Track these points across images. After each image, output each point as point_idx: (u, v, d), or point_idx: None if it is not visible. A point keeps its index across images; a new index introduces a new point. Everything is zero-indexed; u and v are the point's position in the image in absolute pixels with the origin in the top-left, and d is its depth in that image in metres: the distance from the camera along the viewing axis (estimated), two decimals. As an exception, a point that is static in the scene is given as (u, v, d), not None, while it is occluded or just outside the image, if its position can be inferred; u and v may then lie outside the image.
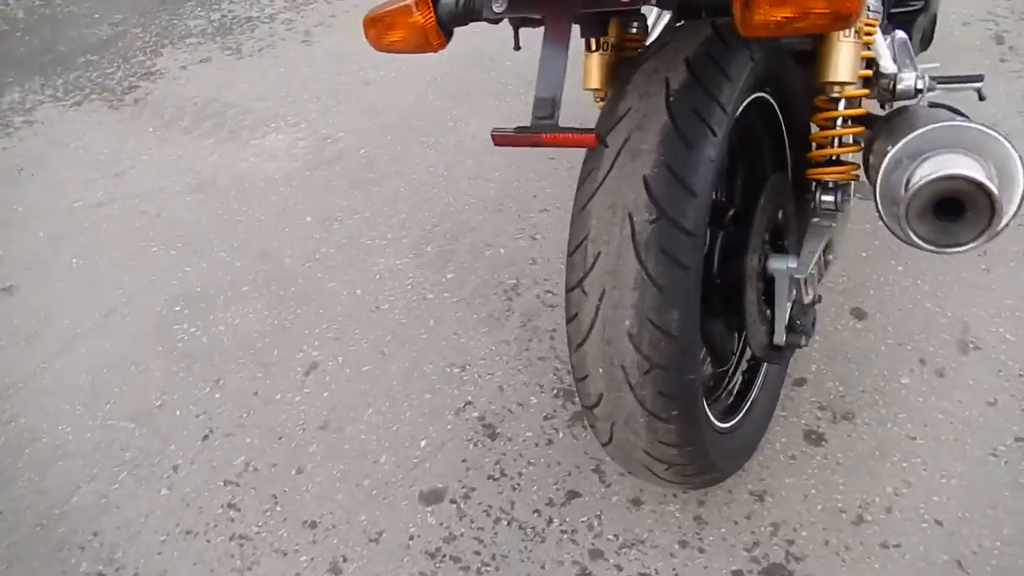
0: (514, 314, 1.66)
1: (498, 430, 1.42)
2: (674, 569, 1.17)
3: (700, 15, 1.04)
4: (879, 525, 1.20)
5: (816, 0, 0.65)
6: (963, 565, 1.13)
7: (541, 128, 0.78)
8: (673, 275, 0.85)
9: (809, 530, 1.21)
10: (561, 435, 1.40)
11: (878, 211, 0.69)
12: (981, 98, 1.22)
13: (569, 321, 0.94)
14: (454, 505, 1.30)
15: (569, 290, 0.93)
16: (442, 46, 0.92)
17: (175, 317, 1.75)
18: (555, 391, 1.48)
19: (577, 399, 1.45)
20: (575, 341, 0.94)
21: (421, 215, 1.97)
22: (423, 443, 1.41)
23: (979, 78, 1.20)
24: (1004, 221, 0.57)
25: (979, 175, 0.56)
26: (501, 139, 0.81)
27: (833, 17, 0.65)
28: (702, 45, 0.90)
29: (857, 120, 1.02)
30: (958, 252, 0.60)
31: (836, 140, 1.03)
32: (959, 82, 1.17)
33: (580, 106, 1.60)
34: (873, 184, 0.71)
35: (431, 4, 0.90)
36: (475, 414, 1.46)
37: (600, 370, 0.92)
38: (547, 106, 0.78)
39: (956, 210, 0.59)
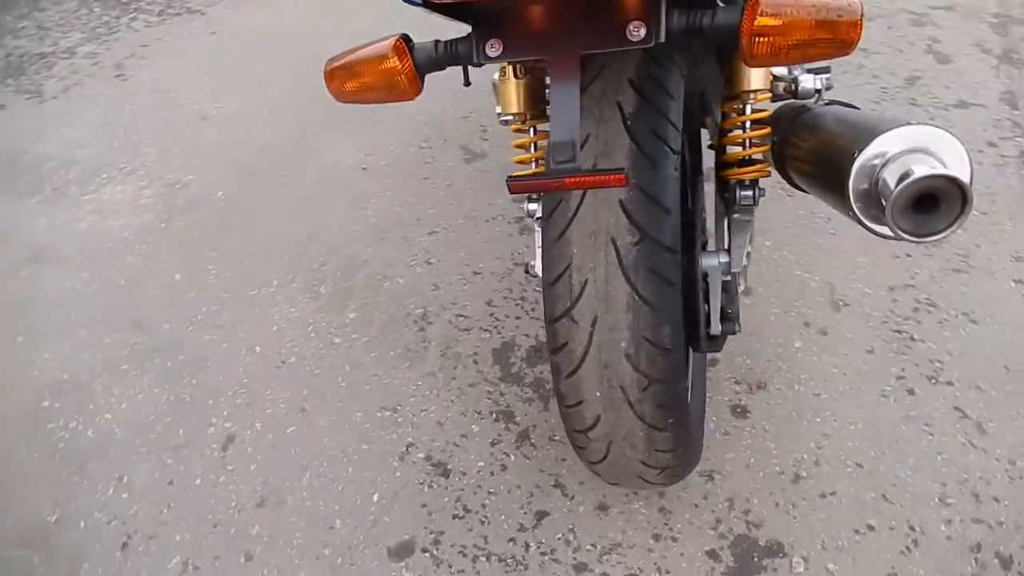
0: (431, 344, 1.63)
1: (449, 466, 1.40)
2: (655, 563, 1.23)
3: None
4: (813, 479, 1.34)
5: (821, 29, 0.70)
6: (888, 498, 1.30)
7: (564, 172, 0.76)
8: (662, 292, 0.89)
9: (759, 497, 1.32)
10: (513, 458, 1.41)
11: (850, 208, 0.75)
12: (828, 87, 1.38)
13: (556, 351, 0.95)
14: (426, 554, 1.26)
15: (553, 321, 0.94)
16: (417, 93, 0.87)
17: (47, 414, 1.52)
18: (494, 415, 1.48)
19: (519, 416, 1.47)
20: (565, 370, 0.95)
21: (304, 255, 1.87)
22: (375, 497, 1.35)
23: (827, 70, 1.35)
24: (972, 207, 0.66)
25: (955, 173, 0.65)
26: (518, 187, 0.77)
27: (838, 45, 0.71)
28: (640, 66, 0.93)
29: (764, 122, 1.11)
30: (936, 240, 0.68)
31: (747, 142, 1.12)
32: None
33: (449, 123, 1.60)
34: (835, 184, 0.77)
35: (408, 49, 0.85)
36: (420, 455, 1.42)
37: (598, 393, 0.94)
38: (567, 149, 0.76)
39: (931, 204, 0.68)
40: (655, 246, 0.88)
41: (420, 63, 0.85)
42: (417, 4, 0.76)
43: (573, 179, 0.75)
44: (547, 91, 1.10)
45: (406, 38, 0.86)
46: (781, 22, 0.72)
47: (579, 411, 0.98)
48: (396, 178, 2.09)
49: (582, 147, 0.90)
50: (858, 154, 0.73)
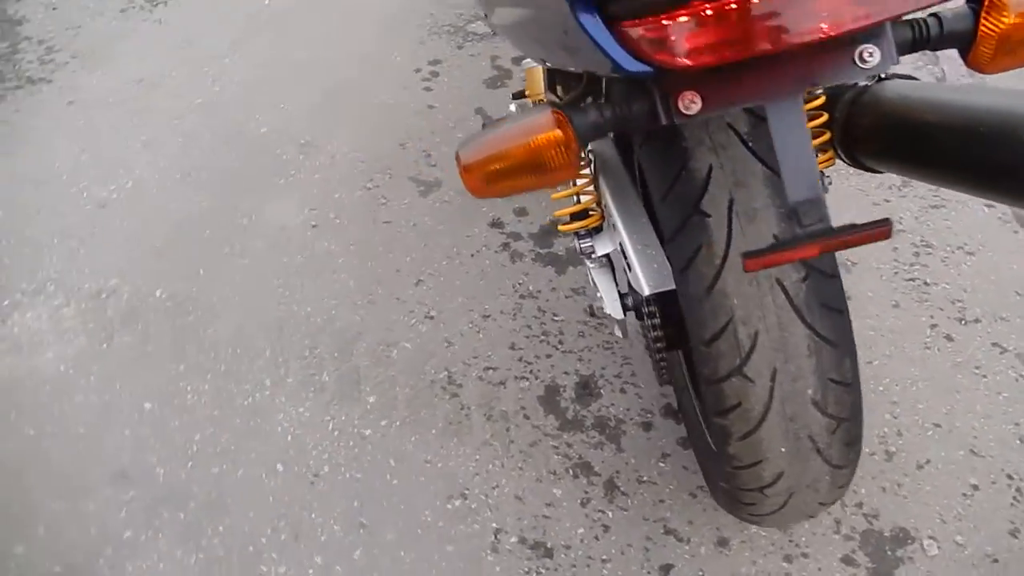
0: (471, 410, 1.49)
1: (548, 544, 1.28)
2: (801, 588, 1.19)
3: None
4: (904, 451, 1.34)
5: None
6: (976, 452, 1.32)
7: (816, 235, 0.64)
8: (837, 325, 0.82)
9: (864, 485, 1.30)
10: (610, 514, 1.31)
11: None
12: None
13: (724, 413, 0.86)
14: (568, 651, 1.15)
15: (718, 381, 0.84)
16: (578, 170, 0.71)
17: (56, 622, 1.25)
18: (571, 471, 1.38)
19: (596, 466, 1.37)
20: (739, 431, 0.86)
21: (287, 341, 1.65)
22: (485, 602, 1.22)
23: None
24: None
25: None
26: (758, 263, 0.64)
27: None
28: None
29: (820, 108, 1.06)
30: None
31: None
32: None
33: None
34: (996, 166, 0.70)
35: (567, 117, 0.69)
36: (513, 540, 1.29)
37: (783, 449, 0.86)
38: (815, 208, 0.64)
39: None
40: (822, 277, 0.81)
41: (583, 132, 0.69)
42: (643, 73, 0.61)
43: (831, 241, 0.64)
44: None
45: (555, 104, 0.72)
46: None
47: (756, 471, 0.90)
48: (355, 230, 1.89)
49: (708, 182, 0.80)
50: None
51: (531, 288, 1.72)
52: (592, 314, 1.64)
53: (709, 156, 0.81)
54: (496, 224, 1.89)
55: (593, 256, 1.17)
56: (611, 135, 1.17)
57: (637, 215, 1.03)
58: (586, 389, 1.51)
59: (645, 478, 1.36)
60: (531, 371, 1.55)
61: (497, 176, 0.69)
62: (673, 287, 0.93)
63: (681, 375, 1.27)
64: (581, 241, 1.18)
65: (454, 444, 1.44)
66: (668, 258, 0.89)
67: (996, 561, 1.19)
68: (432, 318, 1.67)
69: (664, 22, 0.54)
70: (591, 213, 1.16)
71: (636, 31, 0.56)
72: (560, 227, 1.19)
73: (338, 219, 1.93)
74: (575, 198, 1.19)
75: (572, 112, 0.68)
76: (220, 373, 1.60)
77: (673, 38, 0.55)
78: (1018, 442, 1.34)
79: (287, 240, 1.89)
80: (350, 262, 1.81)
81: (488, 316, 1.67)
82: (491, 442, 1.43)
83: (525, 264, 1.78)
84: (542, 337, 1.61)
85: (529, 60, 1.06)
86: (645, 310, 1.09)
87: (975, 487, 1.29)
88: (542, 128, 0.66)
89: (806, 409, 0.84)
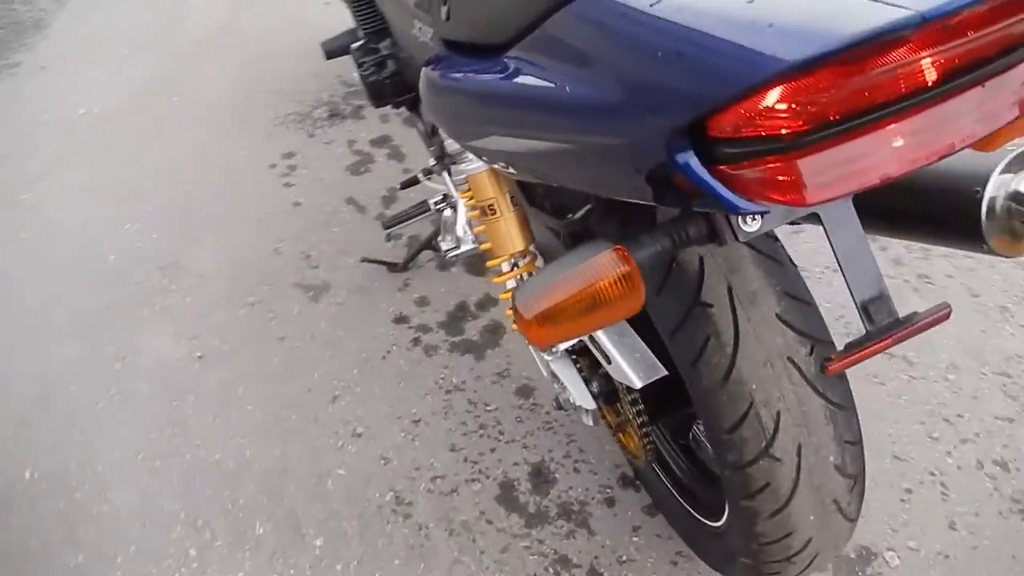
0: (429, 528, 1.41)
1: (549, 654, 1.23)
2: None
3: None
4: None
5: None
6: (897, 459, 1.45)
7: (890, 329, 0.66)
8: (841, 388, 0.86)
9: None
10: (601, 605, 1.29)
11: (981, 241, 0.76)
12: None
13: (752, 495, 0.87)
14: None
15: (744, 466, 0.85)
16: (643, 300, 0.67)
17: None
18: (552, 570, 1.34)
19: (574, 557, 1.33)
20: (768, 510, 0.87)
21: (202, 498, 1.47)
22: None
23: None
24: None
25: None
26: (838, 366, 0.66)
27: None
28: None
29: None
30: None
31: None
32: None
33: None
34: (957, 220, 0.78)
35: (627, 252, 0.65)
36: (512, 660, 1.23)
37: (811, 518, 0.88)
38: (883, 305, 0.66)
39: None
40: (824, 346, 0.85)
41: (645, 264, 0.66)
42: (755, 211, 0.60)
43: (900, 334, 0.66)
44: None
45: (614, 237, 0.69)
46: None
47: (786, 543, 0.91)
48: (247, 353, 1.74)
49: (704, 276, 0.83)
50: (982, 190, 0.74)
51: (454, 381, 1.67)
52: (526, 396, 1.62)
53: (697, 248, 0.83)
54: (400, 319, 1.82)
55: (553, 350, 1.16)
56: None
57: None
58: (540, 477, 1.48)
59: (624, 557, 1.35)
60: (479, 470, 1.49)
61: (564, 324, 0.66)
62: (664, 374, 0.94)
63: (648, 449, 1.27)
64: (549, 357, 1.16)
65: (422, 570, 1.35)
66: (672, 352, 0.89)
67: (947, 557, 1.31)
68: (360, 435, 1.57)
69: (796, 161, 0.50)
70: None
71: (752, 173, 0.52)
72: (513, 326, 1.17)
73: (225, 344, 1.76)
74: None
75: (630, 246, 0.66)
76: (130, 555, 1.39)
77: (801, 178, 0.51)
78: (928, 439, 1.48)
79: (172, 378, 1.69)
80: (251, 391, 1.66)
81: (419, 420, 1.59)
82: (460, 559, 1.36)
83: (441, 356, 1.73)
84: (480, 431, 1.57)
85: (474, 165, 1.03)
86: (626, 397, 1.09)
87: (908, 491, 1.41)
88: (607, 269, 0.63)
89: (830, 475, 0.87)
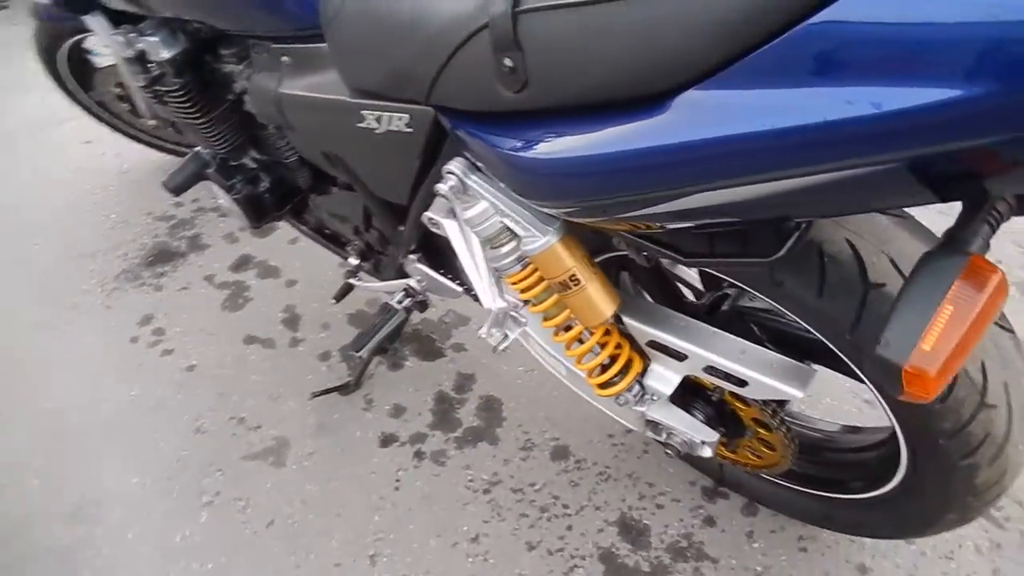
0: (560, 642, 1.25)
1: None
2: None
3: None
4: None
5: None
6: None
7: None
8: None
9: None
10: (770, 625, 1.23)
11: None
12: None
13: (973, 452, 0.86)
14: None
15: (963, 427, 0.84)
16: None
17: None
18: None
19: None
20: (989, 457, 0.87)
21: None
22: None
23: None
24: None
25: None
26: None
27: None
28: None
29: None
30: None
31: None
32: None
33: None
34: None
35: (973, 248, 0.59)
36: None
37: (1021, 447, 0.88)
38: None
39: None
40: None
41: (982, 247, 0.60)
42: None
43: None
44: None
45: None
46: None
47: (1003, 483, 0.91)
48: (241, 565, 1.43)
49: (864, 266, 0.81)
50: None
51: (485, 477, 1.51)
52: (564, 458, 1.50)
53: (828, 236, 0.82)
54: (388, 440, 1.61)
55: (655, 399, 1.07)
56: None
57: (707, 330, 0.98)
58: (632, 531, 1.39)
59: (758, 568, 1.30)
60: (570, 555, 1.36)
61: (958, 359, 0.57)
62: (816, 372, 0.91)
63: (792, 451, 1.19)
64: (638, 394, 1.07)
65: None
66: (853, 347, 0.84)
67: None
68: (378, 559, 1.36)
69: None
70: (627, 361, 1.06)
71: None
72: (604, 392, 1.06)
73: (208, 565, 1.44)
74: (595, 354, 1.05)
75: (961, 247, 0.59)
76: None
77: None
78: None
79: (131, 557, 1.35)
80: (275, 599, 1.37)
81: (475, 537, 1.42)
82: (613, 656, 1.23)
83: (455, 458, 1.55)
84: (544, 515, 1.43)
85: (540, 242, 0.89)
86: (775, 411, 1.04)
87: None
88: (990, 281, 0.56)
89: None
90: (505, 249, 0.95)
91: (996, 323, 0.85)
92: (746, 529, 1.36)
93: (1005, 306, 0.62)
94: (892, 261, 0.80)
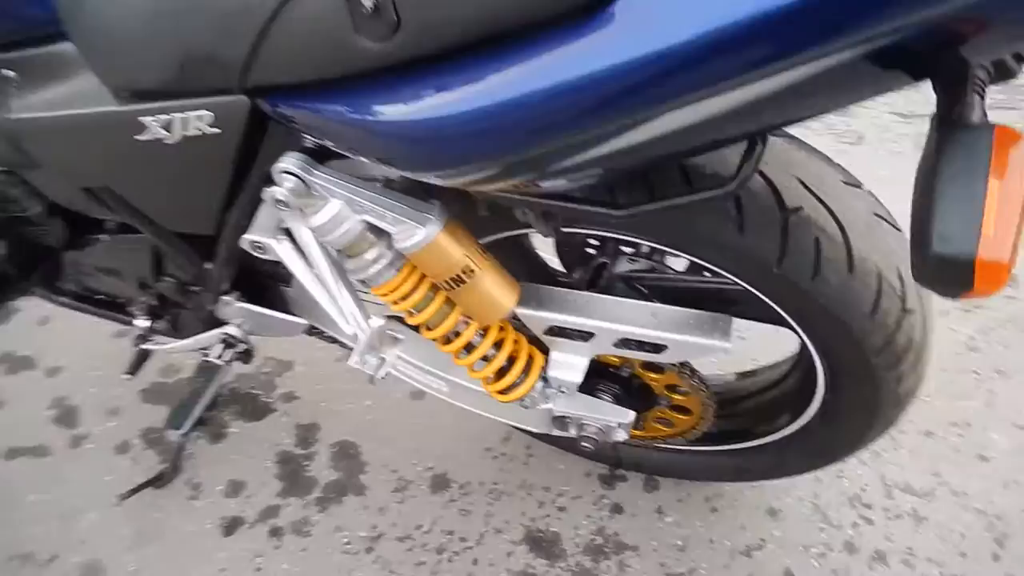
0: None
1: None
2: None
3: None
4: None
5: None
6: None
7: None
8: None
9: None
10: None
11: None
12: None
13: (900, 360, 0.86)
14: None
15: (890, 337, 0.83)
16: None
17: None
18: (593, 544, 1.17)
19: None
20: (911, 362, 0.86)
21: None
22: None
23: None
24: None
25: None
26: None
27: None
28: None
29: None
30: None
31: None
32: None
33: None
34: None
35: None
36: None
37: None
38: None
39: None
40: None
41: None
42: None
43: None
44: None
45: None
46: None
47: (921, 371, 0.90)
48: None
49: None
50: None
51: (362, 534, 1.30)
52: (444, 487, 1.33)
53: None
54: (232, 525, 1.32)
55: (563, 391, 0.96)
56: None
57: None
58: (541, 545, 1.26)
59: (679, 542, 1.25)
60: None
61: (1019, 240, 0.50)
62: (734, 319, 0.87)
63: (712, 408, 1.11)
64: (543, 390, 0.95)
65: None
66: (784, 282, 0.79)
67: None
68: None
69: None
70: (528, 357, 0.93)
71: None
72: (507, 397, 0.92)
73: None
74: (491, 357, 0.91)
75: (966, 114, 0.52)
76: None
77: None
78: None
79: None
80: None
81: (373, 605, 1.20)
82: None
83: (321, 523, 1.32)
84: (442, 555, 1.26)
85: (418, 237, 0.72)
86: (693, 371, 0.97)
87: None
88: (1019, 145, 0.49)
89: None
90: (371, 254, 0.77)
91: (888, 222, 0.84)
92: (654, 506, 1.29)
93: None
94: (802, 182, 0.76)
